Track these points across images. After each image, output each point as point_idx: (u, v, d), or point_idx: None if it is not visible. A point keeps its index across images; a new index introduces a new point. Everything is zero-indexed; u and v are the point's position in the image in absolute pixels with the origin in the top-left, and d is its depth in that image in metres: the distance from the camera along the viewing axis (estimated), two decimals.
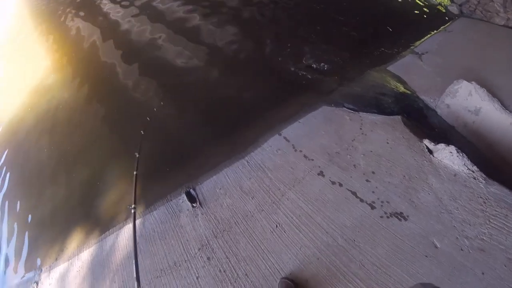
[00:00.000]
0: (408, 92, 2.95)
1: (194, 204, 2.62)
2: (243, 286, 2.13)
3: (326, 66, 3.41)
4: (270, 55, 3.97)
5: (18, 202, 3.52)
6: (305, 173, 2.56)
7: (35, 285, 2.72)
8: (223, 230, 2.43)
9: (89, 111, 4.32)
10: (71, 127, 4.18)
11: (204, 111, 3.56)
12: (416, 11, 3.88)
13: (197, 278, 2.30)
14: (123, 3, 6.96)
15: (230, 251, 2.31)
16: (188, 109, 3.68)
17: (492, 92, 2.59)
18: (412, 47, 3.42)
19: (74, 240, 2.90)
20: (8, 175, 4.05)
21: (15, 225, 3.34)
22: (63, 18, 7.50)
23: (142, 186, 2.95)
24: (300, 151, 2.72)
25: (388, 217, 2.25)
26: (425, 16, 3.84)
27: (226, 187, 2.68)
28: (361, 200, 2.37)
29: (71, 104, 4.62)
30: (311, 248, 2.23)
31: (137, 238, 2.52)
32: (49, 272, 2.78)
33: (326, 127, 2.84)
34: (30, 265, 2.94)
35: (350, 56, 3.51)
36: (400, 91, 2.94)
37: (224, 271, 2.21)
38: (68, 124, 4.25)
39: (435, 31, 3.55)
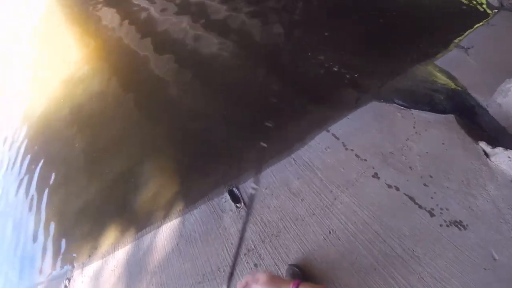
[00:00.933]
0: (459, 88, 2.77)
1: (238, 205, 2.46)
2: None
3: (371, 60, 3.13)
4: (312, 50, 3.66)
5: (50, 195, 3.31)
6: (358, 175, 2.39)
7: (67, 282, 2.59)
8: (271, 235, 2.27)
9: (123, 104, 4.12)
10: (105, 120, 4.00)
11: (246, 106, 3.31)
12: (455, 3, 3.57)
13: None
14: None
15: (280, 258, 2.19)
16: (228, 104, 3.44)
17: None
18: (456, 41, 3.15)
19: (109, 237, 2.75)
20: (39, 168, 3.93)
21: (46, 219, 3.16)
22: (94, 9, 7.06)
23: (181, 182, 2.75)
24: (352, 149, 2.54)
25: (447, 225, 2.14)
26: (464, 7, 3.54)
27: (272, 187, 2.51)
28: (420, 207, 2.24)
29: (104, 97, 4.39)
30: (368, 257, 2.11)
31: (176, 238, 2.33)
32: (82, 270, 2.65)
33: (377, 125, 2.66)
34: (62, 261, 2.82)
35: (395, 51, 3.29)
36: (451, 87, 2.74)
37: None
38: (102, 117, 4.07)
39: (477, 25, 3.27)
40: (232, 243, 2.33)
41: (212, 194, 2.71)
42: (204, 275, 2.26)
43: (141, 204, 2.88)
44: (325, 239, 2.19)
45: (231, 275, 1.20)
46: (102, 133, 3.85)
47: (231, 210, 2.51)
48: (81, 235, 2.94)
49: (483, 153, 2.39)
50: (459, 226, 2.12)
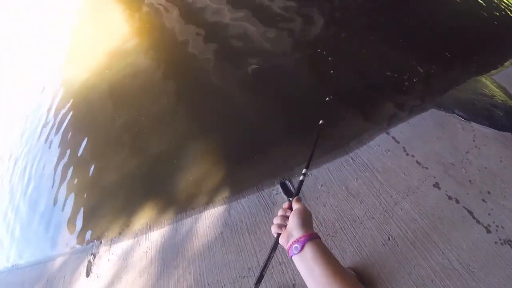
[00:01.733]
0: None
1: (291, 198, 2.30)
2: None
3: (431, 68, 3.06)
4: (368, 54, 3.51)
5: (86, 166, 3.05)
6: (419, 182, 2.35)
7: (91, 257, 2.41)
8: (327, 234, 2.18)
9: (169, 84, 3.91)
10: (149, 96, 3.81)
11: (299, 99, 3.13)
12: None
13: (293, 286, 2.10)
14: None
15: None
16: (280, 95, 3.24)
17: None
18: None
19: (143, 216, 2.56)
20: (78, 137, 3.74)
21: (78, 189, 2.91)
22: None
23: (227, 169, 2.65)
24: (413, 156, 2.47)
25: (502, 243, 2.14)
26: None
27: (329, 184, 2.40)
28: (478, 222, 2.23)
29: (150, 74, 4.14)
30: (426, 268, 2.08)
31: (220, 226, 2.20)
32: (110, 247, 2.46)
33: (438, 133, 2.62)
34: (90, 235, 2.57)
35: (454, 62, 3.27)
36: (508, 104, 2.70)
37: None
38: (146, 93, 3.87)
39: None
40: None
41: (263, 184, 2.59)
42: (249, 269, 2.15)
43: (182, 186, 2.72)
44: (383, 244, 2.13)
45: None
46: (146, 110, 3.65)
47: (283, 203, 2.34)
48: (114, 210, 2.73)
49: None
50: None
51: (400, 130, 2.67)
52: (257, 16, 4.39)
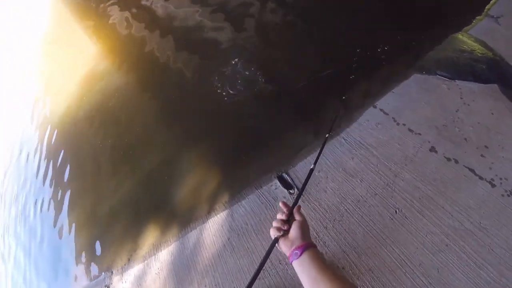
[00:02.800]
0: (498, 58, 2.79)
1: (291, 191, 2.32)
2: (367, 282, 1.95)
3: (405, 36, 3.14)
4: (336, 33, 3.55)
5: (80, 198, 3.03)
6: (415, 149, 2.38)
7: None
8: (334, 220, 2.17)
9: (144, 100, 3.88)
10: (128, 117, 3.76)
11: (281, 86, 3.18)
12: None
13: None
14: None
15: (347, 243, 2.09)
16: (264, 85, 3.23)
17: None
18: (486, 10, 3.14)
19: (148, 238, 2.55)
20: (67, 171, 3.71)
21: (77, 223, 2.89)
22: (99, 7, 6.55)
23: (222, 174, 2.71)
24: (404, 124, 2.50)
25: (508, 195, 2.14)
26: None
27: (326, 169, 2.40)
28: (480, 178, 2.23)
29: (126, 92, 4.12)
30: (438, 234, 2.08)
31: (226, 232, 2.19)
32: (122, 275, 2.45)
33: (425, 97, 2.65)
34: (99, 267, 2.56)
35: (428, 24, 3.28)
36: (490, 57, 2.76)
37: (343, 268, 1.97)
38: (125, 114, 3.82)
39: None
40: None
41: (260, 182, 2.59)
42: (264, 270, 2.11)
43: (181, 200, 2.72)
44: (392, 219, 2.12)
45: None
46: (128, 130, 3.60)
47: (284, 198, 2.38)
48: (117, 237, 2.71)
49: None
50: None
51: (386, 101, 2.68)
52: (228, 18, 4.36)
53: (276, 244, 1.14)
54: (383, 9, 3.60)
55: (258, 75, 3.37)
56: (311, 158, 2.59)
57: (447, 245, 2.03)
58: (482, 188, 2.20)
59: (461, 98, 2.61)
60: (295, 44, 3.55)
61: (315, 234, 2.17)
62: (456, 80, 2.73)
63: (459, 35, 3.00)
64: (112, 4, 6.31)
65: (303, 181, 2.31)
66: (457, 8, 3.28)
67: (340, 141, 2.54)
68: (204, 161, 2.97)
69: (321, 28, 3.56)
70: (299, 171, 2.57)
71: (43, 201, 3.68)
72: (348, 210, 2.22)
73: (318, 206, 2.27)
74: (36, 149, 4.49)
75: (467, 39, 2.95)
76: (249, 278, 2.17)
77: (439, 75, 2.78)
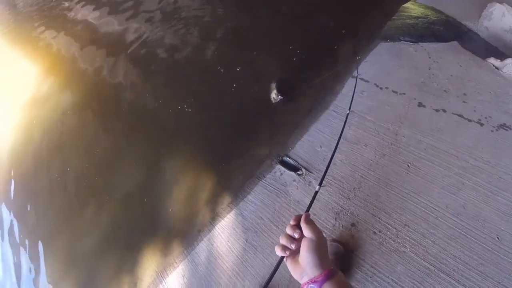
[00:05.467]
0: (450, 19, 3.23)
1: (299, 172, 2.33)
2: (407, 237, 2.00)
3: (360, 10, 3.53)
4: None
5: (52, 244, 2.65)
6: (405, 108, 2.56)
7: None
8: (353, 188, 2.22)
9: (97, 117, 3.64)
10: (84, 140, 3.48)
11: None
12: None
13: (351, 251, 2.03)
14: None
15: (374, 207, 2.13)
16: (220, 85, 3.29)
17: None
18: None
19: (148, 265, 2.31)
20: (28, 215, 3.14)
21: (60, 273, 2.51)
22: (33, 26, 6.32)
23: (215, 174, 2.66)
24: (386, 88, 2.71)
25: (496, 129, 2.40)
26: None
27: (327, 143, 2.46)
28: (469, 120, 2.47)
29: (76, 111, 3.84)
30: (452, 176, 2.21)
31: (242, 234, 2.13)
32: None
33: (397, 62, 2.92)
34: None
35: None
36: (443, 18, 3.22)
37: (379, 231, 2.01)
38: (81, 137, 3.54)
39: None
40: (315, 214, 2.16)
41: (261, 171, 2.55)
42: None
43: (174, 213, 2.55)
44: (407, 173, 2.22)
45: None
46: (87, 154, 3.28)
47: (294, 181, 2.37)
48: (112, 274, 2.39)
49: (494, 67, 2.78)
50: (505, 128, 2.41)
51: (363, 71, 2.84)
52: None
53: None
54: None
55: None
56: (309, 136, 2.63)
57: (463, 184, 2.17)
58: (474, 129, 2.43)
59: (429, 57, 2.91)
60: None
61: (339, 208, 2.16)
62: (420, 43, 3.02)
63: (410, 5, 3.45)
64: (40, 25, 6.19)
65: (307, 160, 2.35)
66: None
67: (331, 114, 2.64)
68: (189, 164, 2.78)
69: None
70: (299, 151, 2.56)
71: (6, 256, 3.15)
72: (363, 176, 2.27)
73: (333, 180, 2.28)
74: None
75: (418, 7, 3.41)
76: (286, 275, 2.07)
77: (403, 40, 3.07)
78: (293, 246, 0.86)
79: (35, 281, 2.69)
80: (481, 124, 2.43)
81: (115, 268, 2.43)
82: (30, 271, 2.79)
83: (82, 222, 2.78)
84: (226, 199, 2.51)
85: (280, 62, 3.25)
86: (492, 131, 2.38)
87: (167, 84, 3.63)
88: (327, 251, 0.85)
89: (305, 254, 0.82)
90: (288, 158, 2.45)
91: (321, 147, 2.50)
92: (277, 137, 2.69)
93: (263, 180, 2.49)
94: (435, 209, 2.07)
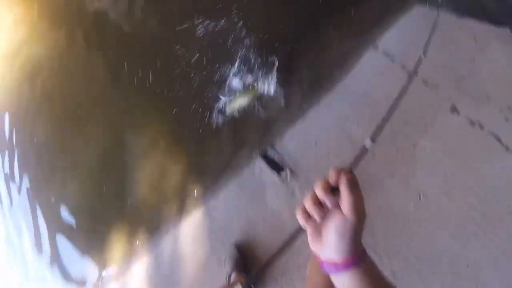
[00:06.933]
0: None
1: (281, 173, 1.93)
2: None
3: None
4: None
5: None
6: (434, 109, 2.06)
7: None
8: None
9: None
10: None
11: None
12: None
13: None
14: None
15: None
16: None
17: None
18: None
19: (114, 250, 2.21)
20: None
21: None
22: None
23: (184, 156, 2.30)
24: (415, 72, 2.12)
25: None
26: None
27: (325, 141, 2.05)
28: (507, 149, 1.94)
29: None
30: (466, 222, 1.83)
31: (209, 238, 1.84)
32: None
33: (436, 38, 2.25)
34: None
35: None
36: None
37: None
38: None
39: None
40: None
41: (238, 163, 2.14)
42: None
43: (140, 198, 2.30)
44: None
45: None
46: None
47: (274, 184, 1.96)
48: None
49: None
50: None
51: (387, 41, 2.30)
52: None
53: None
54: None
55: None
56: (303, 127, 2.12)
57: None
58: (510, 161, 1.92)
59: (475, 40, 2.28)
60: None
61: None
62: (466, 18, 2.35)
63: None
64: None
65: (296, 159, 1.97)
66: None
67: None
68: (158, 142, 2.38)
69: None
70: (289, 144, 2.05)
71: None
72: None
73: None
74: None
75: None
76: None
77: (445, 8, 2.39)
78: (317, 216, 0.60)
79: None
80: None
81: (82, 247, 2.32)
82: None
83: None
84: (196, 189, 2.19)
85: None
86: None
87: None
88: (362, 231, 0.60)
89: (334, 238, 0.58)
90: (272, 151, 2.01)
91: (316, 145, 1.99)
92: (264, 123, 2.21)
93: (239, 175, 2.10)
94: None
